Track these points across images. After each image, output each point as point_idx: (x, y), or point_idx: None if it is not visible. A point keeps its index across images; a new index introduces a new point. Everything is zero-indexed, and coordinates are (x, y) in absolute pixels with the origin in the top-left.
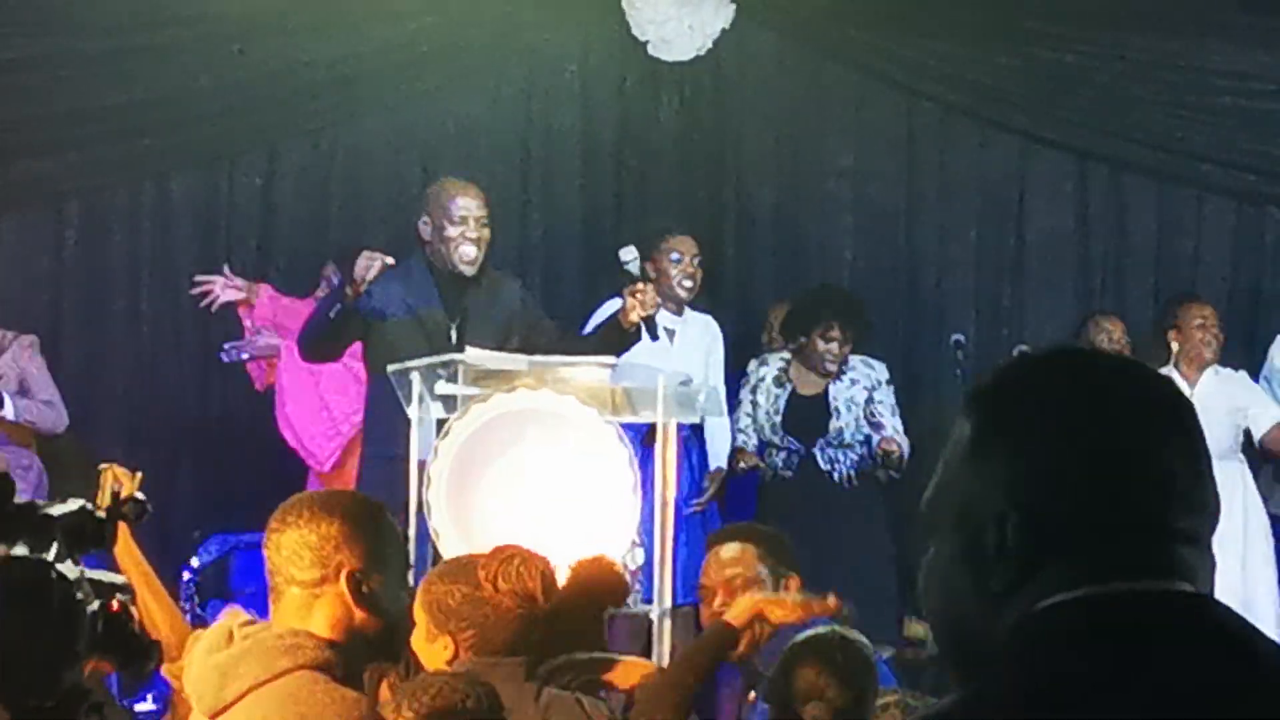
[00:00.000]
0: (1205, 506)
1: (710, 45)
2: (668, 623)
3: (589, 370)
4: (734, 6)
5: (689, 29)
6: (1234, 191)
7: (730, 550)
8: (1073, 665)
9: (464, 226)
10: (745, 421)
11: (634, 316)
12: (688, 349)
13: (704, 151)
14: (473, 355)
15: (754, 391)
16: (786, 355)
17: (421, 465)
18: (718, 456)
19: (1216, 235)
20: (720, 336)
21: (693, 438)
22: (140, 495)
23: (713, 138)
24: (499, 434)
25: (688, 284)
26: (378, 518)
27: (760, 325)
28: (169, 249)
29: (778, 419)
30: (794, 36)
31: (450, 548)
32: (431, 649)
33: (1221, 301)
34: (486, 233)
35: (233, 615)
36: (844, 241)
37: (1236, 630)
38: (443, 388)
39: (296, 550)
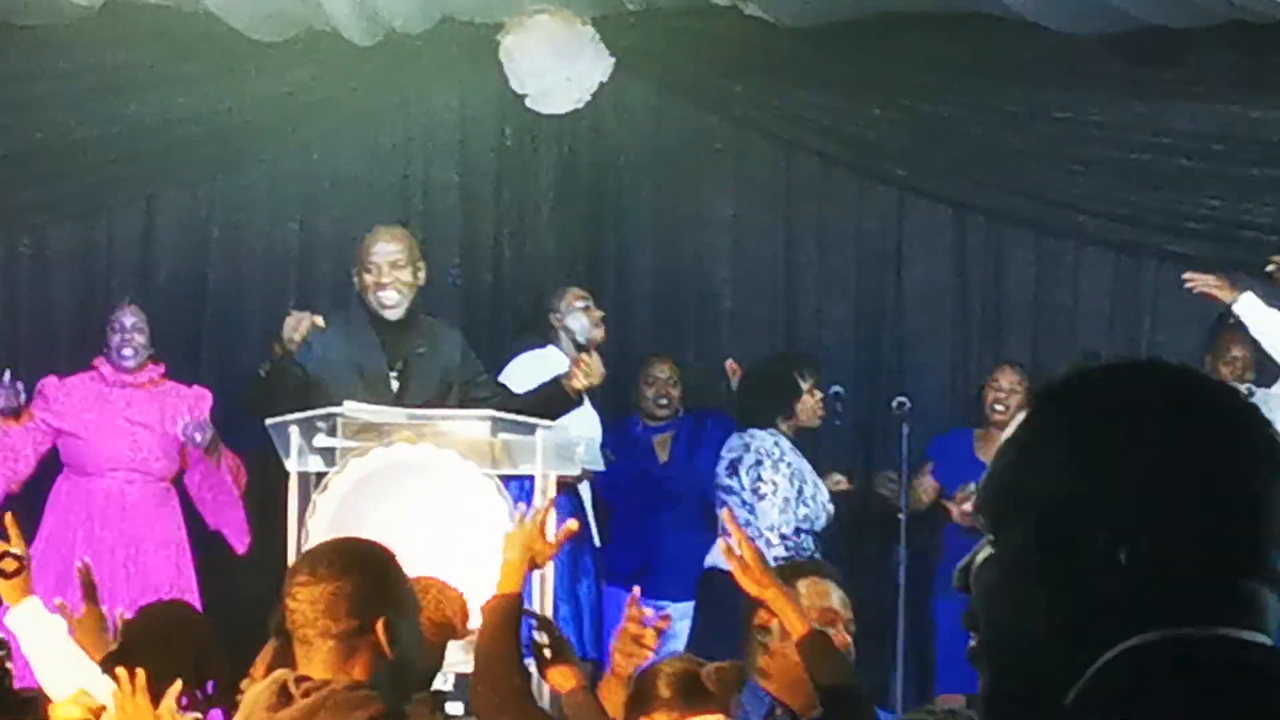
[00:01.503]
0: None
1: (589, 98)
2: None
3: (468, 424)
4: (612, 59)
5: (567, 81)
6: (1111, 243)
7: (803, 586)
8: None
9: (378, 273)
10: (779, 519)
11: (578, 384)
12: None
13: (583, 203)
14: (350, 408)
15: (798, 480)
16: (772, 431)
17: (300, 520)
18: None
19: (1094, 286)
20: None
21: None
22: (17, 550)
23: (592, 190)
24: (378, 488)
25: (598, 335)
26: (394, 564)
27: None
28: (47, 301)
29: (832, 509)
30: (672, 89)
31: None
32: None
33: (1099, 353)
34: (407, 275)
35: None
36: (723, 293)
37: None
38: (321, 441)
39: (332, 603)
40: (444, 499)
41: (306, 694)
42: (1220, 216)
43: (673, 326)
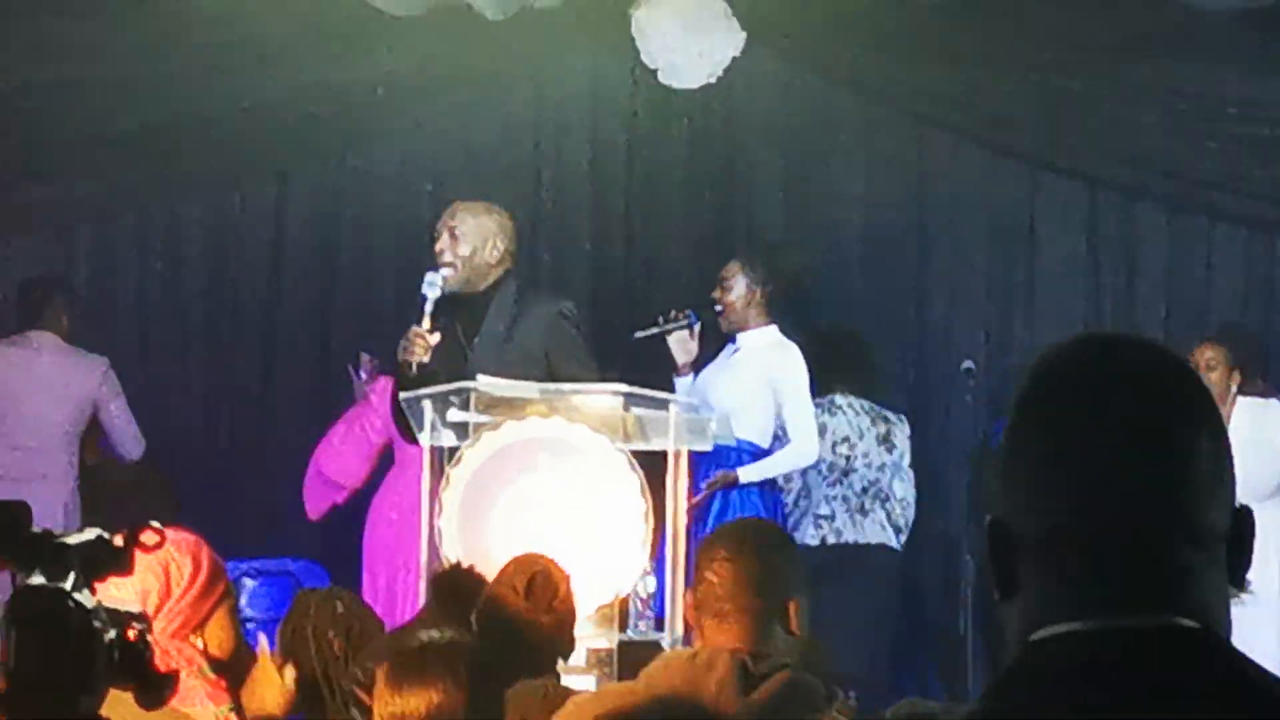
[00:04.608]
0: (1218, 529)
1: (720, 73)
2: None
3: (601, 398)
4: (744, 34)
5: (698, 56)
6: (1244, 219)
7: None
8: (1063, 713)
9: (439, 245)
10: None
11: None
12: (739, 370)
13: (713, 178)
14: (484, 383)
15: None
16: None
17: (433, 493)
18: None
19: (1227, 263)
20: (786, 361)
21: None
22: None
23: (722, 165)
24: (510, 462)
25: (716, 308)
26: (795, 548)
27: None
28: (178, 274)
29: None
30: (804, 63)
31: None
32: None
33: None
34: (464, 248)
35: None
36: (853, 269)
37: (1236, 670)
38: (454, 415)
39: (752, 580)
40: (576, 472)
41: (764, 675)
42: None
43: (802, 301)
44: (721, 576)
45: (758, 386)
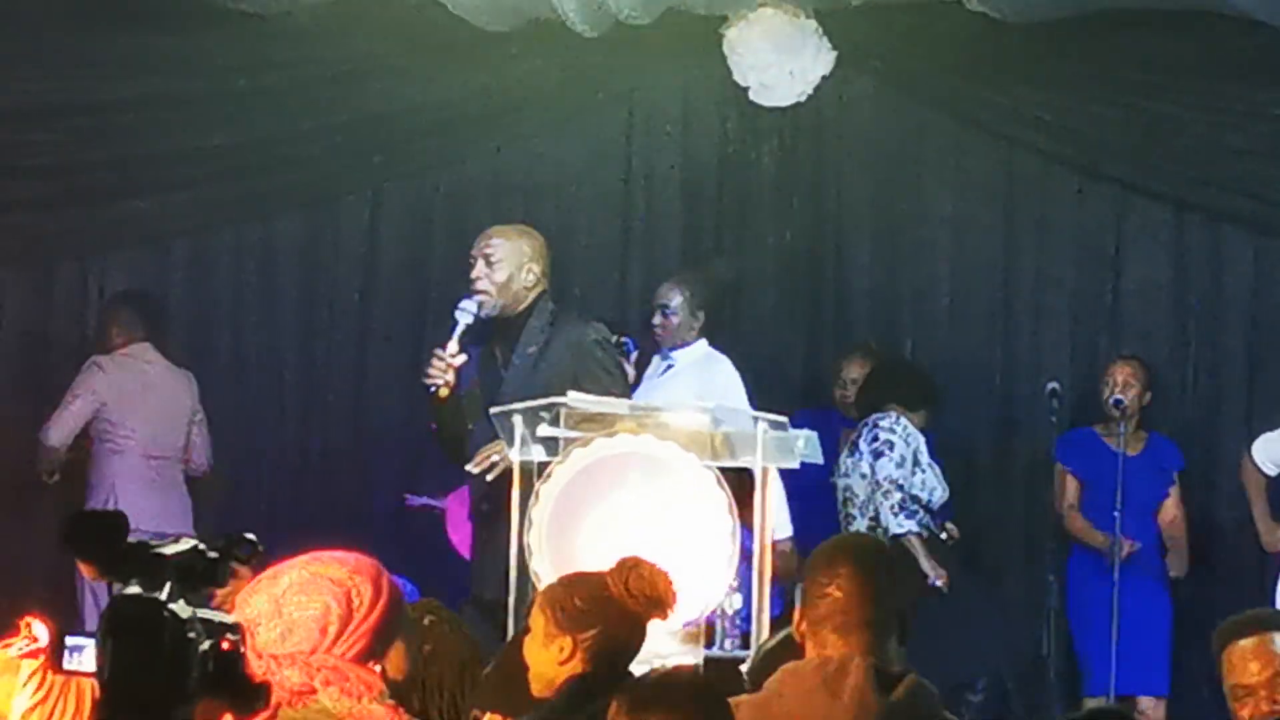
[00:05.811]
0: None
1: (810, 92)
2: None
3: (690, 415)
4: (834, 53)
5: (789, 75)
6: None
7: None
8: None
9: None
10: (897, 472)
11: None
12: (674, 385)
13: (803, 197)
14: (574, 399)
15: (914, 443)
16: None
17: (522, 508)
18: None
19: None
20: (723, 371)
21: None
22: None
23: (812, 184)
24: (600, 478)
25: (655, 328)
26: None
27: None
28: (273, 290)
29: (946, 488)
30: (894, 84)
31: None
32: (546, 651)
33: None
34: (500, 274)
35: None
36: (941, 289)
37: None
38: (544, 430)
39: (874, 593)
40: (665, 489)
41: (897, 677)
42: None
43: (890, 321)
44: (847, 591)
45: (691, 400)
